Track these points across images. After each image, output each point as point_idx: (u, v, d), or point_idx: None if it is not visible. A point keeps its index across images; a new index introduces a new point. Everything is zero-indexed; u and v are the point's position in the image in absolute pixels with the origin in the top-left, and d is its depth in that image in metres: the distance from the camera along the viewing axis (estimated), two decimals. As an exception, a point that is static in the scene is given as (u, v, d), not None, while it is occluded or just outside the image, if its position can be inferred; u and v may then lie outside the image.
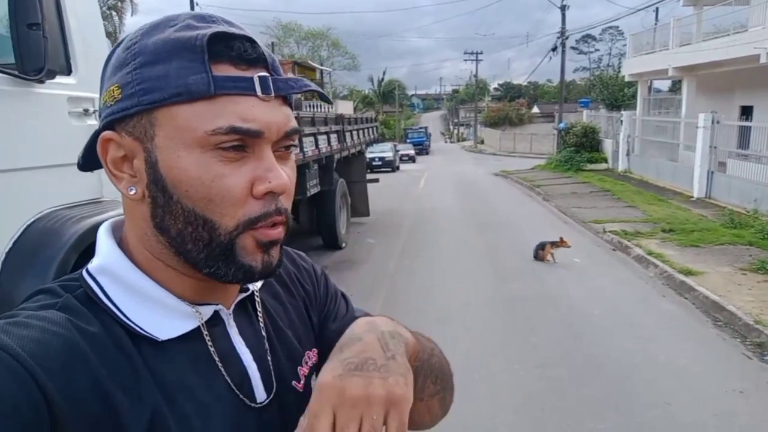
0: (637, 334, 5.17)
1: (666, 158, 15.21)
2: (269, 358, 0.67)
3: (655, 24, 21.76)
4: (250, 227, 0.56)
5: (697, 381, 4.26)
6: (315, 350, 0.75)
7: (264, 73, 0.55)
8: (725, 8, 15.24)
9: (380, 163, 24.91)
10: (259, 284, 0.71)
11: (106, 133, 0.56)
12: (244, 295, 0.67)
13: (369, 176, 11.66)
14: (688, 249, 7.92)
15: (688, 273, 6.70)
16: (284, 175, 0.56)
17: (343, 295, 0.86)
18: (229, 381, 0.60)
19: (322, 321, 0.79)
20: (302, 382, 0.70)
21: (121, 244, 0.61)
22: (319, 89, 0.63)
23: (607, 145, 19.19)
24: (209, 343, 0.60)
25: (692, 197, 12.32)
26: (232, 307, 0.65)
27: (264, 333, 0.68)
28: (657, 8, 26.07)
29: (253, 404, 0.62)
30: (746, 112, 15.40)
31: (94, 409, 0.49)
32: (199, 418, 0.56)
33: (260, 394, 0.64)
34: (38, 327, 0.50)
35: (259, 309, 0.69)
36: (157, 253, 0.58)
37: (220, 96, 0.53)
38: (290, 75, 0.64)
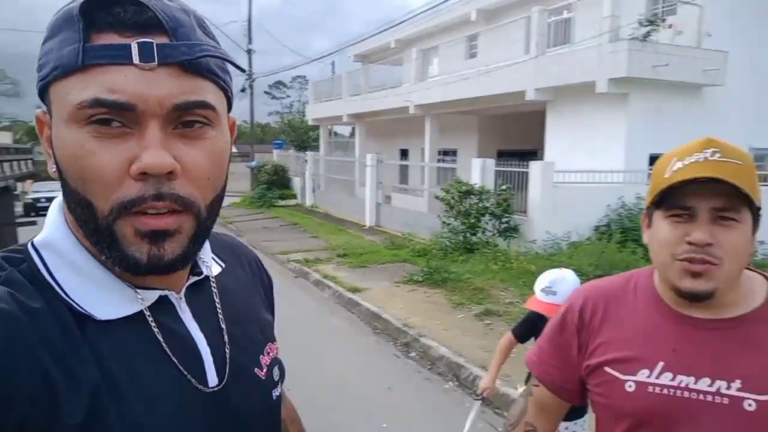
0: (306, 350, 5.33)
1: (346, 193, 16.87)
2: (226, 343, 0.66)
3: (332, 75, 24.36)
4: (127, 212, 0.51)
5: (354, 386, 4.57)
6: (277, 345, 0.76)
7: (148, 39, 0.50)
8: (384, 66, 18.05)
9: (48, 204, 21.18)
10: (215, 269, 0.71)
11: (38, 112, 0.57)
12: (195, 278, 0.66)
13: (28, 218, 9.74)
14: (358, 269, 8.74)
15: (356, 290, 7.34)
16: (161, 153, 0.50)
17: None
18: (177, 363, 0.58)
19: None
20: (264, 370, 0.70)
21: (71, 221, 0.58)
22: (226, 55, 0.56)
23: (297, 183, 20.38)
24: (154, 327, 0.58)
25: (365, 226, 13.83)
26: (183, 290, 0.64)
27: (221, 318, 0.67)
28: (333, 61, 29.36)
29: (204, 387, 0.60)
30: (404, 153, 18.38)
31: (33, 388, 0.47)
32: (142, 400, 0.54)
33: (213, 378, 0.62)
34: None
35: (216, 294, 0.68)
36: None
37: (92, 67, 0.50)
38: (204, 39, 0.54)
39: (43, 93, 0.55)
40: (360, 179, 15.99)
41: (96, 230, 0.53)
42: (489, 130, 14.99)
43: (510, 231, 9.10)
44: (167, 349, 0.59)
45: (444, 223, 9.58)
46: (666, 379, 0.94)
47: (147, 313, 0.59)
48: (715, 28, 10.00)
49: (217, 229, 0.67)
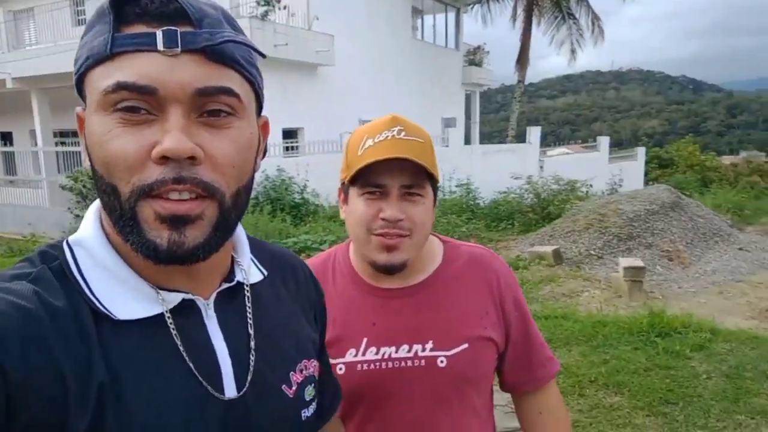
0: None
1: None
2: (252, 355, 0.64)
3: None
4: (147, 195, 0.52)
5: None
6: (316, 362, 0.74)
7: (172, 27, 0.51)
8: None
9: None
10: (254, 276, 0.70)
11: (77, 109, 0.58)
12: (228, 285, 0.65)
13: None
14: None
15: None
16: (182, 138, 0.51)
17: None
18: (193, 369, 0.57)
19: None
20: (293, 388, 0.68)
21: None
22: (250, 43, 0.56)
23: None
24: (173, 331, 0.58)
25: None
26: (213, 296, 0.63)
27: (251, 329, 0.65)
28: None
29: (220, 395, 0.59)
30: (6, 137, 15.04)
31: (46, 389, 0.48)
32: (149, 404, 0.54)
33: (230, 389, 0.61)
34: (2, 300, 0.49)
35: (249, 303, 0.67)
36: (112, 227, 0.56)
37: (120, 55, 0.51)
38: (227, 30, 0.55)
39: (80, 86, 0.56)
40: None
41: (121, 216, 0.53)
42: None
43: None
44: (184, 354, 0.57)
45: (77, 216, 8.36)
46: (371, 354, 0.99)
47: (167, 315, 0.58)
48: (322, 12, 11.32)
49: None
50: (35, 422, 0.48)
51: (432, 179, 0.99)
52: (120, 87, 0.50)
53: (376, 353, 0.99)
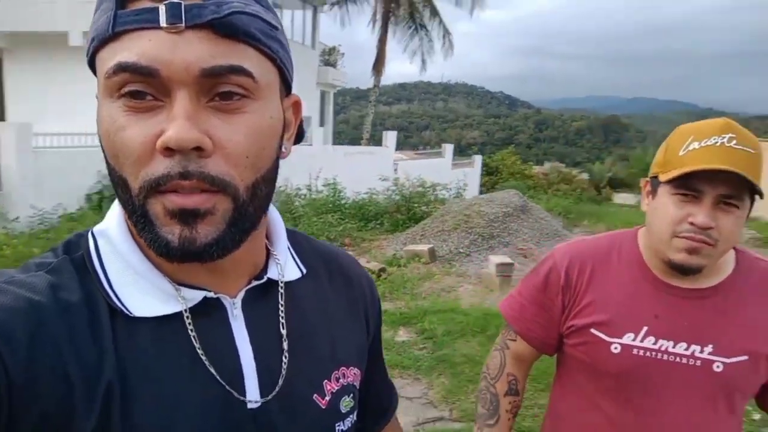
0: None
1: None
2: (284, 359, 0.59)
3: None
4: (157, 190, 0.48)
5: None
6: (357, 370, 0.68)
7: (177, 0, 0.46)
8: None
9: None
10: (292, 273, 0.65)
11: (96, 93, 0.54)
12: (257, 282, 0.60)
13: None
14: None
15: None
16: (186, 127, 0.46)
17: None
18: (214, 373, 0.54)
19: None
20: (327, 398, 0.62)
21: None
22: (260, 12, 0.50)
23: None
24: (190, 330, 0.54)
25: None
26: (240, 295, 0.59)
27: (284, 330, 0.61)
28: None
29: (241, 397, 0.55)
30: None
31: (53, 390, 0.47)
32: (159, 406, 0.51)
33: (253, 394, 0.57)
34: (13, 294, 0.48)
35: (282, 303, 0.62)
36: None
37: (123, 34, 0.47)
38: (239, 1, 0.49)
39: (94, 71, 0.51)
40: None
41: (133, 211, 0.50)
42: None
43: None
44: (202, 356, 0.54)
45: None
46: (649, 342, 1.02)
47: (186, 314, 0.54)
48: None
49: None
50: (40, 423, 0.46)
51: (753, 192, 0.95)
52: (121, 69, 0.46)
53: (654, 343, 1.02)
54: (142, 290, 0.54)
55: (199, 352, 0.54)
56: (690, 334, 1.01)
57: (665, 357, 1.01)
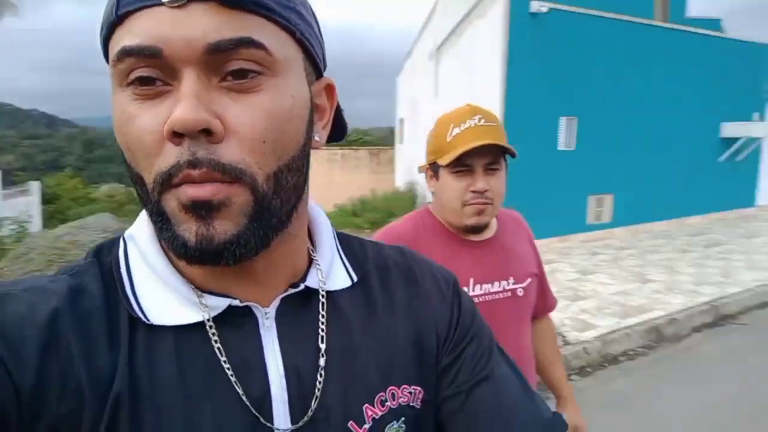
0: None
1: None
2: (319, 378, 0.52)
3: None
4: (170, 183, 0.43)
5: None
6: (417, 388, 0.58)
7: None
8: None
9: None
10: (339, 281, 0.58)
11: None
12: (293, 291, 0.54)
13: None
14: None
15: None
16: (191, 106, 0.41)
17: (499, 349, 0.66)
18: (240, 392, 0.49)
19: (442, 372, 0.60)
20: (366, 426, 0.53)
21: None
22: None
23: None
24: (215, 342, 0.49)
25: None
26: (275, 304, 0.53)
27: (323, 345, 0.54)
28: None
29: (269, 423, 0.49)
30: None
31: (63, 402, 0.44)
32: (170, 423, 0.46)
33: (282, 419, 0.50)
34: (27, 303, 0.46)
35: (323, 314, 0.55)
36: None
37: (127, 17, 0.43)
38: None
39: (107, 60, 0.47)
40: None
41: (151, 211, 0.46)
42: None
43: None
44: (227, 371, 0.49)
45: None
46: (478, 290, 1.25)
47: (209, 323, 0.50)
48: None
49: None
50: (53, 429, 0.44)
51: (506, 153, 1.23)
52: (125, 53, 0.42)
53: (481, 289, 1.26)
54: (163, 296, 0.50)
55: (225, 366, 0.49)
56: (496, 273, 1.29)
57: (489, 297, 1.27)
